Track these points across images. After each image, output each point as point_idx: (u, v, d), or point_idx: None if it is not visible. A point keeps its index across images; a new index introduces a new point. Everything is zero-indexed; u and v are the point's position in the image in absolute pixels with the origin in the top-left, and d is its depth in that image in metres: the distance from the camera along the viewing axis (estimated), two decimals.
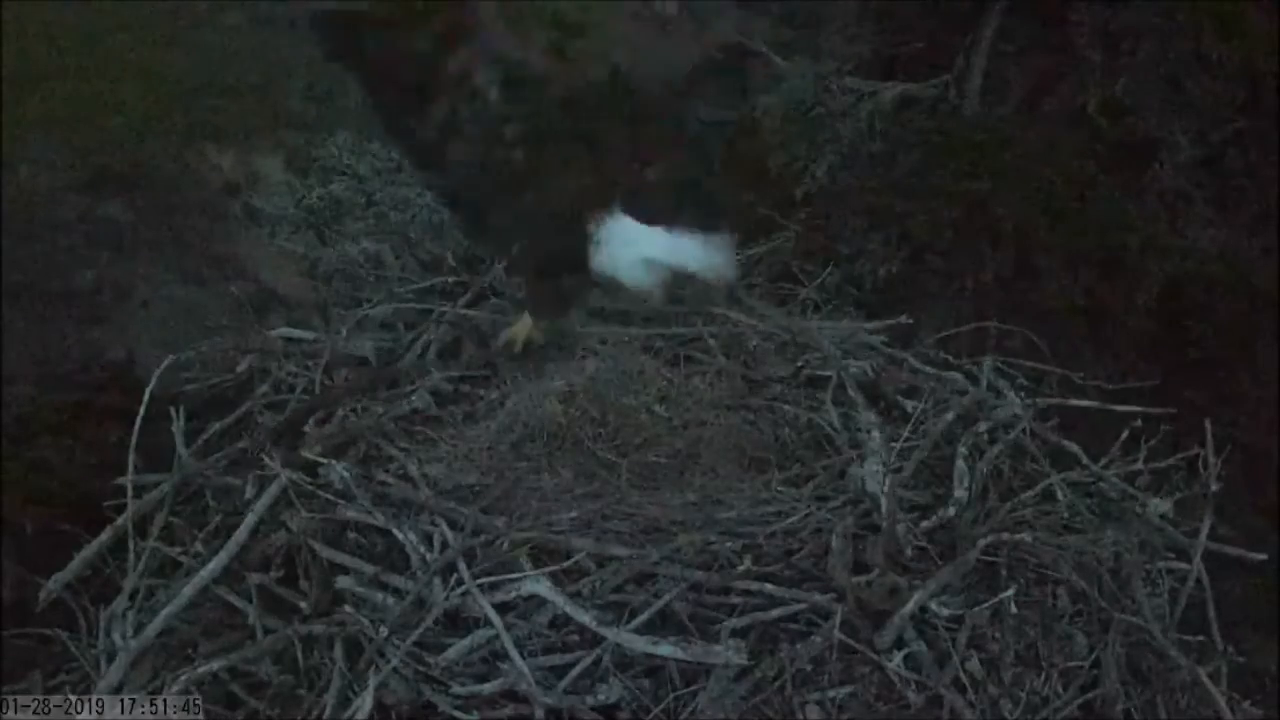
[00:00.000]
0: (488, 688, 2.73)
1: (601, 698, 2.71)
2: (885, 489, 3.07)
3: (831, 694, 2.76)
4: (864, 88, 4.62)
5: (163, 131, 4.82)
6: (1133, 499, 3.37)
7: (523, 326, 3.67)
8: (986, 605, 2.93)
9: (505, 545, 2.94)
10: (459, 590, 2.84)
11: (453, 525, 3.01)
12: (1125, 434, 3.48)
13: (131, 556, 3.13)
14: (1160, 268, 3.98)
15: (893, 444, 3.32)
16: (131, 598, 3.04)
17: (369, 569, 2.98)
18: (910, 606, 2.85)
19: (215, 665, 2.85)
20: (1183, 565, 3.26)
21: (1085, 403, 3.70)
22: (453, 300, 4.06)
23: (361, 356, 3.78)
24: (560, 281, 3.54)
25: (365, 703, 2.69)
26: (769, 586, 2.87)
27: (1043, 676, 2.92)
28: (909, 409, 3.53)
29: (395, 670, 2.74)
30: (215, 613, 3.02)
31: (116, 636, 2.95)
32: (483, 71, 3.22)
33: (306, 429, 3.41)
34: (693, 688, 2.73)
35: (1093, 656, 2.98)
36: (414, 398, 3.51)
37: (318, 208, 4.65)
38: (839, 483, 3.24)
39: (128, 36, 5.25)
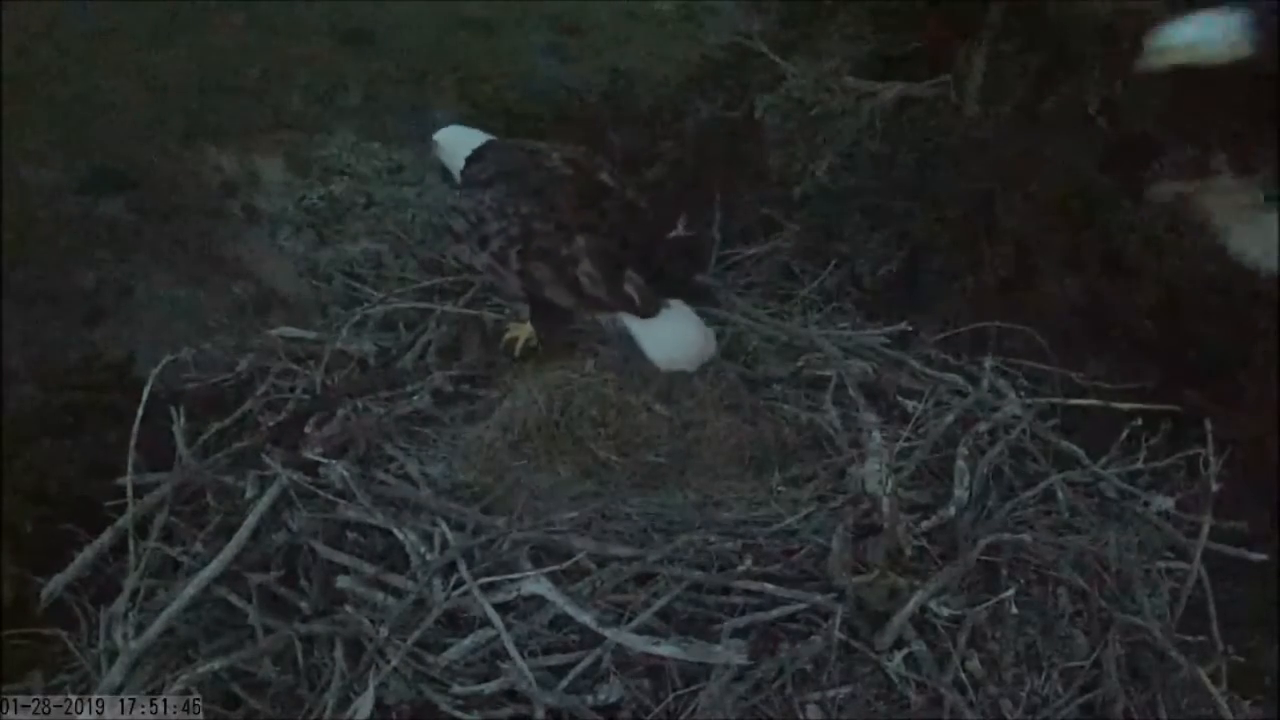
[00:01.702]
0: (488, 688, 2.73)
1: (602, 698, 2.72)
2: (886, 489, 3.07)
3: (831, 694, 2.76)
4: (864, 88, 4.60)
5: (163, 131, 4.82)
6: (1133, 499, 3.37)
7: (524, 328, 3.67)
8: (986, 605, 2.93)
9: (505, 545, 2.94)
10: (459, 590, 2.84)
11: (453, 525, 3.01)
12: (1125, 434, 3.47)
13: (132, 557, 3.12)
14: (1160, 268, 3.97)
15: (893, 444, 3.32)
16: (132, 598, 3.03)
17: (369, 569, 2.98)
18: (910, 606, 2.85)
19: (215, 665, 2.85)
20: (1183, 565, 3.26)
21: (1086, 402, 3.69)
22: (453, 300, 4.06)
23: (361, 356, 3.78)
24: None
25: (365, 703, 2.69)
26: (769, 586, 2.87)
27: (1043, 676, 2.92)
28: (909, 409, 3.53)
29: (395, 670, 2.74)
30: (216, 613, 3.02)
31: (117, 637, 2.95)
32: None
33: (307, 429, 3.41)
34: (693, 688, 2.73)
35: (1093, 656, 2.98)
36: (414, 398, 3.51)
37: (318, 208, 4.65)
38: (839, 483, 3.24)
39: (128, 36, 5.26)
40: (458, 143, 3.65)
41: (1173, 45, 3.33)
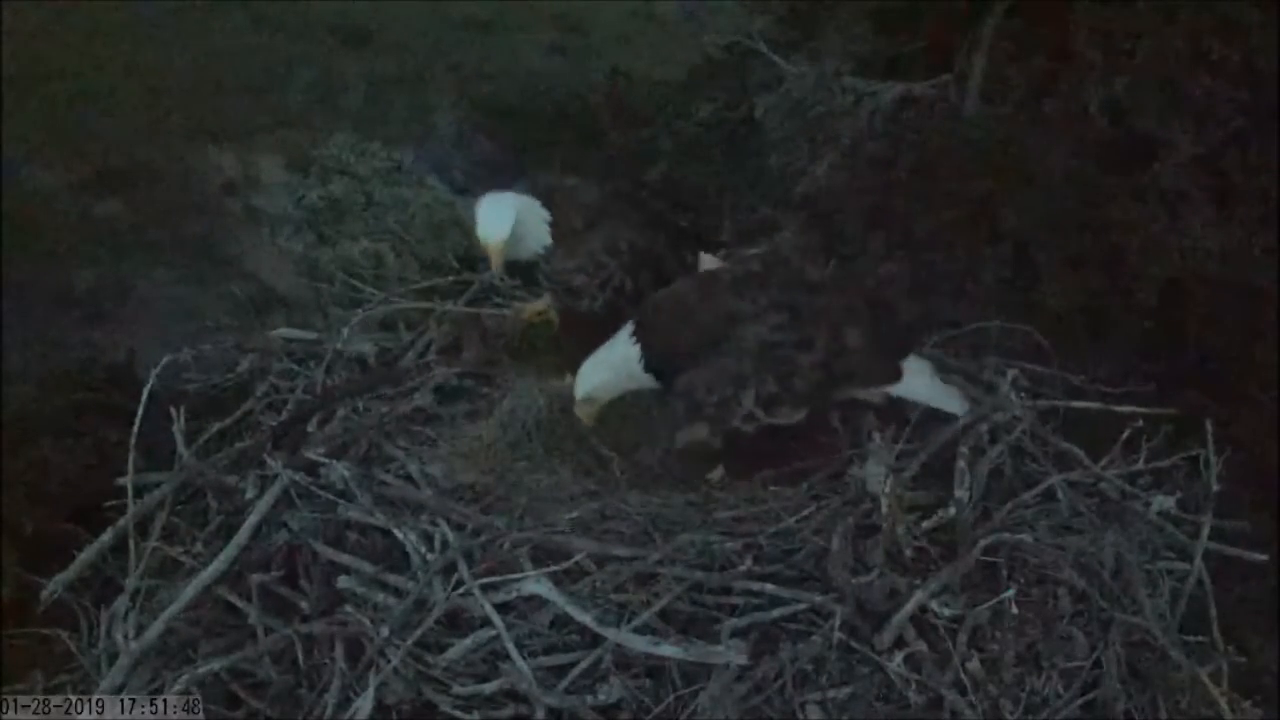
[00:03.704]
0: (488, 688, 2.73)
1: (602, 698, 2.71)
2: (886, 489, 3.07)
3: (831, 694, 2.76)
4: (864, 88, 4.61)
5: (163, 131, 4.83)
6: (1134, 499, 3.37)
7: (542, 303, 3.66)
8: (987, 605, 2.93)
9: (505, 545, 2.94)
10: (459, 590, 2.84)
11: (453, 525, 3.01)
12: (1126, 434, 3.47)
13: (133, 557, 3.13)
14: (1160, 268, 3.97)
15: (894, 445, 3.32)
16: (133, 598, 3.04)
17: (369, 569, 2.98)
18: (910, 606, 2.85)
19: (215, 665, 2.85)
20: (1183, 565, 3.26)
21: (1086, 403, 3.69)
22: (453, 300, 4.07)
23: (362, 356, 3.78)
24: None
25: (365, 703, 2.69)
26: (769, 586, 2.87)
27: (1043, 676, 2.92)
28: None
29: (396, 670, 2.74)
30: (216, 613, 3.02)
31: (118, 637, 2.96)
32: None
33: (308, 429, 3.41)
34: (693, 687, 2.73)
35: (1093, 656, 2.98)
36: (416, 396, 3.51)
37: (318, 208, 4.65)
38: (839, 483, 3.24)
39: (128, 36, 5.26)
40: (524, 211, 3.42)
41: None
